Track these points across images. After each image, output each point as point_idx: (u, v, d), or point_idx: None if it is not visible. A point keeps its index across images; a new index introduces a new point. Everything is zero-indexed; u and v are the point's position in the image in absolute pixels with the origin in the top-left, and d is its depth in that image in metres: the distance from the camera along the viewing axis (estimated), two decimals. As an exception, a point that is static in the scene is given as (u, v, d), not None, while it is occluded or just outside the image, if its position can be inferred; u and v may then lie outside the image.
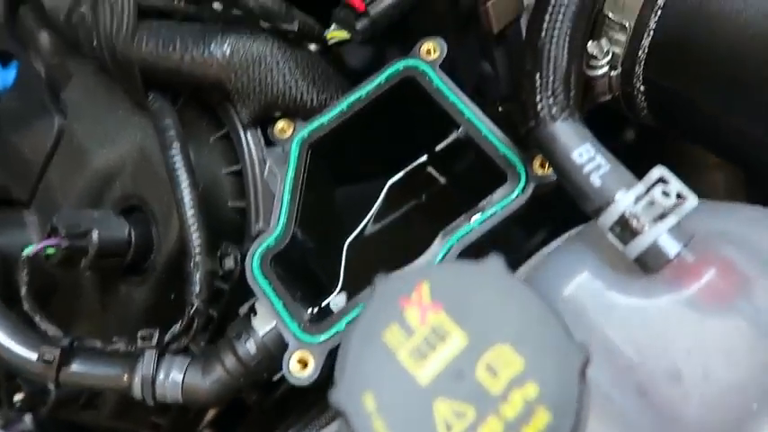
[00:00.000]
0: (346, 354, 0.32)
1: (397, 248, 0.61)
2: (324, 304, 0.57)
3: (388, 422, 0.29)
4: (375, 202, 0.62)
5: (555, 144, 0.40)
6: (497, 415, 0.29)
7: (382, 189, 0.62)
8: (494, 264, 0.32)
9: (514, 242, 0.74)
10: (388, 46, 0.77)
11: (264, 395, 0.70)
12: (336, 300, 0.58)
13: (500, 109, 0.64)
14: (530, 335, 0.30)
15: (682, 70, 0.48)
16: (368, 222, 0.61)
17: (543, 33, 0.41)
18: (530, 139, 0.42)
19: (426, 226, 0.62)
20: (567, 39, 0.41)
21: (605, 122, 0.52)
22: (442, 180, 0.61)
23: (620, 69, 0.51)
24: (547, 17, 0.41)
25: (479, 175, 0.56)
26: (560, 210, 0.52)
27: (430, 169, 0.62)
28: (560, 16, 0.41)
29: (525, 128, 0.42)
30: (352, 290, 0.59)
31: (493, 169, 0.50)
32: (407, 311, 0.31)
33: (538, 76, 0.41)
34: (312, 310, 0.55)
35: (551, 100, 0.41)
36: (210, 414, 0.70)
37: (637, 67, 0.50)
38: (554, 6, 0.41)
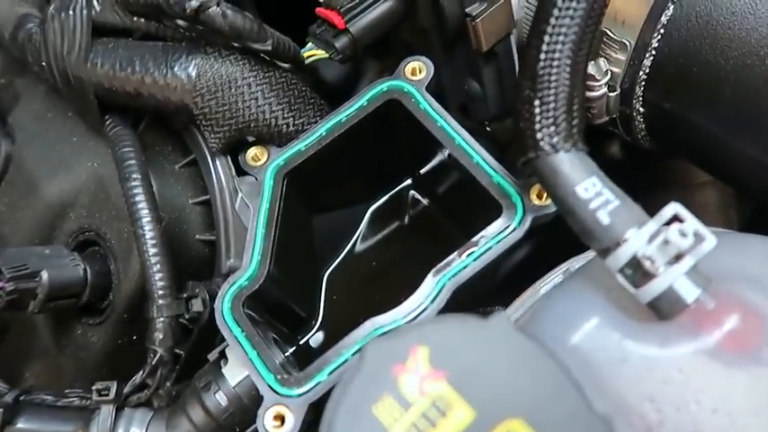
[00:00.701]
0: (333, 429, 0.27)
1: (381, 275, 0.57)
2: (303, 342, 0.53)
3: None
4: (355, 228, 0.58)
5: (558, 177, 0.37)
6: (511, 504, 0.25)
7: (362, 214, 0.58)
8: (500, 323, 0.28)
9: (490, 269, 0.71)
10: (367, 61, 0.73)
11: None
12: (317, 336, 0.54)
13: (488, 129, 0.61)
14: (545, 407, 0.26)
15: (684, 92, 0.45)
16: (350, 251, 0.57)
17: (543, 55, 0.38)
18: (529, 171, 0.38)
19: (410, 250, 0.58)
20: (570, 62, 0.37)
21: (590, 137, 0.50)
22: (426, 202, 0.58)
23: (618, 90, 0.48)
24: (547, 38, 0.37)
25: (466, 195, 0.53)
26: (542, 227, 0.48)
27: (413, 192, 0.58)
28: (562, 37, 0.37)
29: (524, 159, 0.38)
30: (334, 323, 0.55)
31: (483, 193, 0.46)
32: (402, 381, 0.27)
33: (538, 102, 0.38)
34: (289, 350, 0.51)
35: (553, 129, 0.37)
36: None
37: (637, 89, 0.47)
38: (555, 26, 0.37)
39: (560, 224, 0.46)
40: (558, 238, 0.48)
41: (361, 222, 0.58)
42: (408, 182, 0.58)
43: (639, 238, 0.34)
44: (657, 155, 0.61)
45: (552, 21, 0.38)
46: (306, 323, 0.54)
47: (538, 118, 0.38)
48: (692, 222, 0.34)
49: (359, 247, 0.58)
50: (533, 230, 0.45)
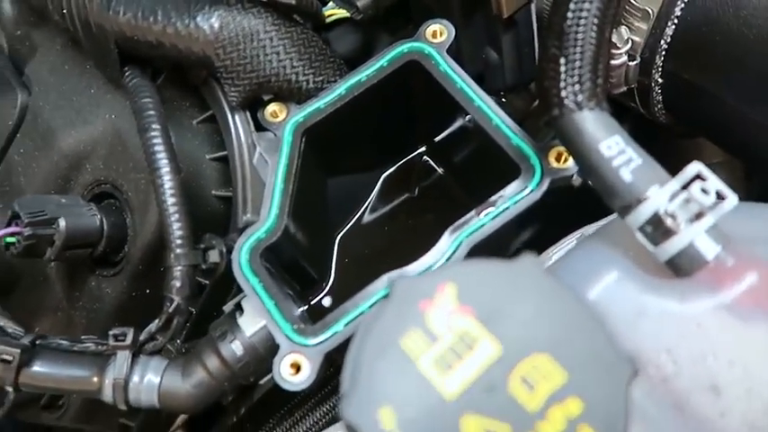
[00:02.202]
0: (359, 362, 0.28)
1: (392, 242, 0.57)
2: (314, 302, 0.53)
3: (409, 442, 0.26)
4: (368, 193, 0.58)
5: (581, 135, 0.37)
6: (535, 435, 0.26)
7: (376, 180, 0.59)
8: (528, 263, 0.28)
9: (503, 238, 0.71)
10: (379, 32, 0.73)
11: (241, 397, 0.66)
12: (327, 299, 0.54)
13: (503, 99, 0.61)
14: (571, 344, 0.27)
15: (705, 62, 0.45)
16: (361, 215, 0.57)
17: (571, 14, 0.38)
18: (552, 130, 0.39)
19: (422, 218, 0.58)
20: (597, 21, 0.38)
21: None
22: (440, 170, 0.58)
23: (638, 60, 0.48)
24: None
25: (482, 164, 0.53)
26: (550, 206, 0.49)
27: (427, 159, 0.58)
28: None
29: (547, 117, 0.38)
30: (345, 286, 0.55)
31: (500, 161, 0.46)
32: (430, 315, 0.28)
33: (563, 60, 0.38)
34: (302, 309, 0.51)
35: (578, 87, 0.37)
36: (183, 416, 0.66)
37: (657, 58, 0.47)
38: None
39: (572, 204, 0.46)
40: (568, 217, 0.49)
41: (373, 188, 0.59)
42: (422, 149, 0.58)
43: (661, 195, 0.35)
44: (671, 130, 0.61)
45: None
46: (317, 284, 0.54)
47: (563, 75, 0.38)
48: (714, 181, 0.35)
49: (371, 213, 0.58)
50: (547, 203, 0.45)
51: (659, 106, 0.51)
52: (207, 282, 0.50)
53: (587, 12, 0.38)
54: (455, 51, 0.52)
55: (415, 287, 0.28)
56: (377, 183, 0.59)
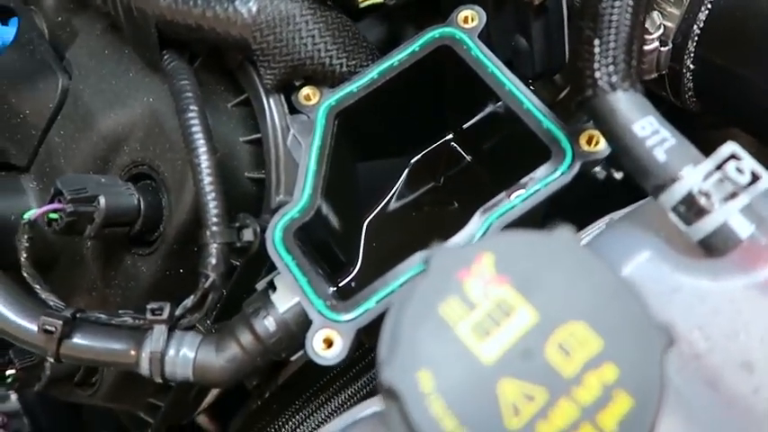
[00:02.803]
0: (398, 329, 0.28)
1: (419, 228, 0.58)
2: (342, 284, 0.54)
3: (447, 403, 0.26)
4: (395, 179, 0.59)
5: (615, 116, 0.37)
6: (571, 399, 0.26)
7: (402, 166, 0.59)
8: (564, 235, 0.29)
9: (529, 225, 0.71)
10: (406, 24, 0.74)
11: (266, 381, 0.67)
12: (353, 282, 0.55)
13: (531, 87, 0.61)
14: (606, 313, 0.27)
15: (738, 47, 0.46)
16: (389, 201, 0.58)
17: None
18: (585, 111, 0.39)
19: (450, 205, 0.59)
20: (632, 3, 0.38)
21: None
22: (468, 158, 0.58)
23: (670, 45, 0.48)
24: None
25: (511, 151, 0.53)
26: (570, 202, 0.49)
27: (454, 146, 0.59)
28: None
29: (581, 97, 0.39)
30: (371, 270, 0.56)
31: (530, 147, 0.47)
32: (468, 284, 0.28)
33: (597, 42, 0.38)
34: (332, 289, 0.52)
35: (612, 68, 0.38)
36: (210, 397, 0.67)
37: (689, 44, 0.47)
38: None
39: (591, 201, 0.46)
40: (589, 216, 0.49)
41: (401, 175, 0.59)
42: (450, 136, 0.59)
43: (696, 174, 0.35)
44: (700, 122, 0.61)
45: None
46: (345, 268, 0.55)
47: (597, 57, 0.38)
48: (749, 161, 0.35)
49: (398, 200, 0.59)
50: (565, 202, 0.45)
51: (690, 93, 0.51)
52: (238, 263, 0.51)
53: None
54: (485, 38, 0.53)
55: (452, 257, 0.29)
56: (404, 169, 0.59)
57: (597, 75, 0.38)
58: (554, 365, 0.26)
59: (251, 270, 0.52)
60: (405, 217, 0.59)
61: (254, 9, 0.46)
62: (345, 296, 0.45)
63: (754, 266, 0.34)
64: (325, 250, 0.52)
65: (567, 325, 0.27)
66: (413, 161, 0.59)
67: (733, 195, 0.35)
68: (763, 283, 0.33)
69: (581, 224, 0.49)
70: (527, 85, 0.61)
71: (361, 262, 0.56)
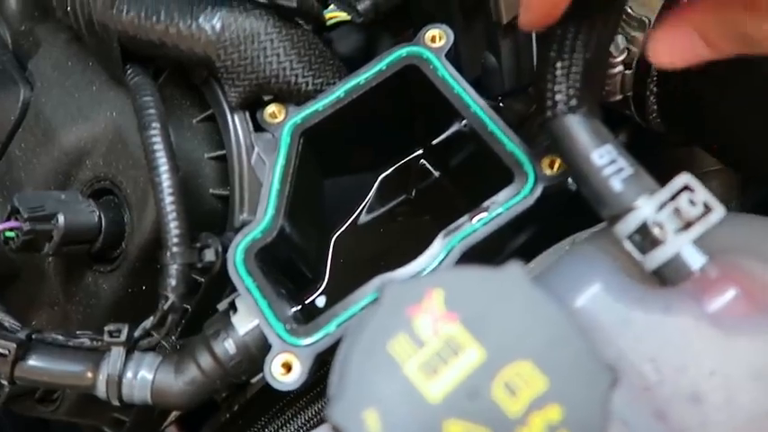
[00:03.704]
0: (346, 365, 0.28)
1: (387, 244, 0.58)
2: (308, 302, 0.54)
3: (393, 444, 0.26)
4: (364, 194, 0.59)
5: (574, 142, 0.37)
6: (516, 440, 0.26)
7: (372, 181, 0.59)
8: (514, 271, 0.29)
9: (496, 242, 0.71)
10: (381, 34, 0.74)
11: (235, 394, 0.66)
12: (321, 298, 0.55)
13: (501, 105, 0.62)
14: (553, 352, 0.27)
15: (702, 71, 0.46)
16: (357, 217, 0.58)
17: (571, 18, 0.38)
18: (545, 133, 0.39)
19: (418, 221, 0.59)
20: (596, 27, 0.38)
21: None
22: (436, 174, 0.59)
23: (634, 69, 0.48)
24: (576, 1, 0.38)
25: (478, 169, 0.53)
26: (546, 210, 0.49)
27: (423, 162, 0.59)
28: (593, 2, 0.38)
29: (541, 119, 0.39)
30: (339, 286, 0.56)
31: (496, 166, 0.47)
32: (417, 321, 0.28)
33: (560, 64, 0.38)
34: (296, 309, 0.52)
35: (571, 91, 0.38)
36: (175, 413, 0.66)
37: (653, 68, 0.48)
38: None
39: (568, 211, 0.47)
40: (565, 225, 0.49)
41: (370, 190, 0.59)
42: (419, 152, 0.59)
43: (650, 205, 0.35)
44: (666, 139, 0.61)
45: None
46: (312, 284, 0.55)
47: (558, 78, 0.38)
48: (702, 192, 0.35)
49: (367, 215, 0.59)
50: (540, 210, 0.46)
51: (654, 115, 0.52)
52: (203, 279, 0.50)
53: (589, 18, 0.38)
54: (454, 56, 0.53)
55: (403, 292, 0.29)
56: (374, 184, 0.59)
57: (557, 97, 0.38)
58: (500, 405, 0.27)
59: (217, 287, 0.52)
60: (374, 232, 0.59)
61: (219, 26, 0.46)
62: (311, 314, 0.45)
63: (704, 299, 0.34)
64: (291, 267, 0.51)
65: (513, 364, 0.27)
66: (382, 176, 0.59)
67: (686, 227, 0.35)
68: (712, 316, 0.34)
69: (564, 227, 0.50)
70: (497, 101, 0.62)
71: (329, 278, 0.56)
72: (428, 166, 0.59)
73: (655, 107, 0.51)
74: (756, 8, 0.34)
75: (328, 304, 0.55)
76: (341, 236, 0.58)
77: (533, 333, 0.28)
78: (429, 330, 0.28)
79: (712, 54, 0.38)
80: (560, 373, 0.27)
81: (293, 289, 0.53)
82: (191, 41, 0.46)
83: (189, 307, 0.51)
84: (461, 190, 0.58)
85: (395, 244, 0.58)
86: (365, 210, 0.59)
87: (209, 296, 0.51)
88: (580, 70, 0.38)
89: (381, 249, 0.58)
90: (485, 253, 0.46)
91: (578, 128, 0.38)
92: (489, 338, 0.28)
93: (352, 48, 0.75)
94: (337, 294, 0.53)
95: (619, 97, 0.51)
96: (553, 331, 0.28)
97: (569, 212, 0.50)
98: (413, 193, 0.59)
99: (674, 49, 0.38)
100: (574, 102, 0.38)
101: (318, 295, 0.55)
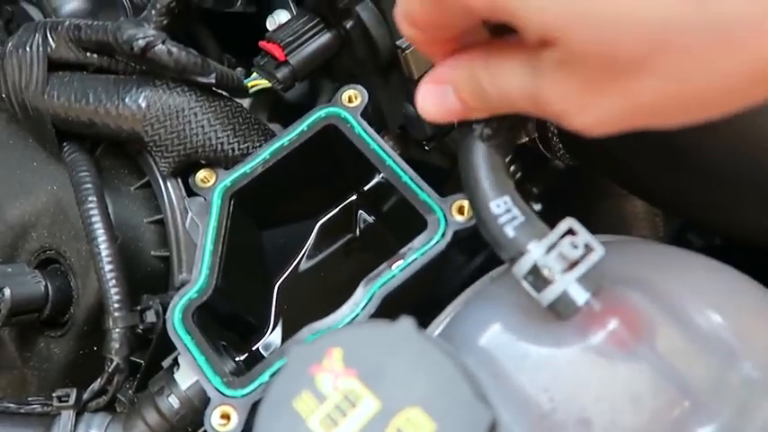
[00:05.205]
0: (258, 421, 0.31)
1: (330, 286, 0.61)
2: (255, 348, 0.57)
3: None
4: (305, 240, 0.62)
5: (477, 188, 0.41)
6: (408, 480, 0.30)
7: (312, 227, 0.62)
8: (404, 325, 0.33)
9: (455, 265, 0.75)
10: (322, 79, 0.78)
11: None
12: (270, 340, 0.58)
13: (427, 148, 0.66)
14: (439, 397, 0.31)
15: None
16: (299, 262, 0.61)
17: None
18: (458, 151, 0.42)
19: (357, 263, 0.62)
20: None
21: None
22: (371, 219, 0.62)
23: (534, 115, 0.53)
24: None
25: (406, 214, 0.57)
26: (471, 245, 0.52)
27: (360, 210, 0.62)
28: None
29: (459, 131, 0.42)
30: (285, 331, 0.59)
31: (415, 213, 0.50)
32: (319, 378, 0.32)
33: None
34: (241, 357, 0.54)
35: (491, 123, 0.41)
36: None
37: (550, 112, 0.52)
38: None
39: None
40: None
41: (310, 235, 0.62)
42: (353, 198, 0.62)
43: (539, 249, 0.39)
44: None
45: None
46: (258, 331, 0.58)
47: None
48: (583, 235, 0.39)
49: (309, 259, 0.62)
50: (460, 246, 0.49)
51: (561, 152, 0.56)
52: (152, 336, 0.53)
53: None
54: (376, 108, 0.57)
55: (306, 353, 0.32)
56: (312, 230, 0.62)
57: (474, 125, 0.41)
58: (393, 449, 0.30)
59: (166, 341, 0.54)
60: (315, 277, 0.62)
61: (144, 104, 0.49)
62: (257, 360, 0.48)
63: (589, 331, 0.38)
64: (234, 319, 0.54)
65: (404, 411, 0.31)
66: (320, 222, 0.62)
67: (570, 267, 0.39)
68: (597, 346, 0.38)
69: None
70: (422, 147, 0.66)
71: (274, 324, 0.59)
72: (363, 213, 0.62)
73: (560, 145, 0.55)
74: (492, 58, 0.35)
75: (277, 348, 0.57)
76: (284, 282, 0.60)
77: (422, 380, 0.31)
78: (330, 386, 0.31)
79: (465, 112, 0.39)
80: (446, 415, 0.30)
81: (238, 339, 0.56)
82: (119, 120, 0.49)
83: (142, 362, 0.54)
84: (394, 233, 0.61)
85: (335, 288, 0.61)
86: (306, 256, 0.62)
87: (159, 351, 0.54)
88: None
89: (323, 294, 0.61)
90: (411, 295, 0.50)
91: (484, 166, 0.41)
92: (383, 389, 0.31)
93: (297, 94, 0.79)
94: (284, 338, 0.55)
95: (526, 139, 0.56)
96: (439, 378, 0.31)
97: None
98: (350, 239, 0.63)
99: (433, 103, 0.39)
100: (486, 133, 0.41)
101: (265, 341, 0.58)
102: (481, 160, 0.41)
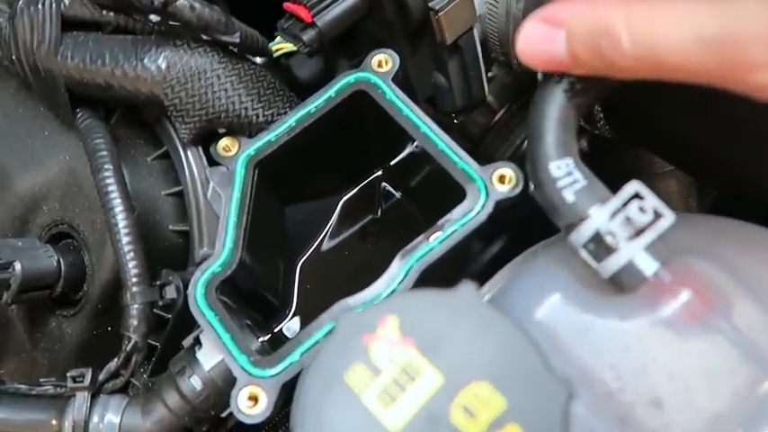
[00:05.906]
0: (305, 397, 0.28)
1: (354, 266, 0.58)
2: (277, 330, 0.54)
3: (354, 476, 0.26)
4: (328, 218, 0.59)
5: (538, 149, 0.38)
6: (476, 462, 0.26)
7: (335, 205, 0.59)
8: (466, 292, 0.29)
9: (470, 253, 0.72)
10: (338, 57, 0.75)
11: (215, 426, 0.66)
12: (290, 324, 0.55)
13: (455, 121, 0.62)
14: (509, 371, 0.28)
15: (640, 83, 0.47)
16: (321, 241, 0.58)
17: None
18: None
19: (383, 242, 0.59)
20: None
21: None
22: (398, 194, 0.59)
23: (579, 79, 0.49)
24: None
25: (436, 188, 0.54)
26: (517, 219, 0.50)
27: (385, 184, 0.59)
28: None
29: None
30: (307, 312, 0.56)
31: (450, 184, 0.47)
32: (373, 349, 0.28)
33: None
34: (264, 338, 0.51)
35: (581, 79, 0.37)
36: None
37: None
38: None
39: (537, 219, 0.47)
40: (534, 232, 0.50)
41: (333, 213, 0.59)
42: (379, 173, 0.59)
43: (602, 214, 0.36)
44: (620, 143, 0.63)
45: None
46: (280, 312, 0.54)
47: None
48: (651, 200, 0.36)
49: (332, 238, 0.59)
50: (500, 219, 0.46)
51: (602, 123, 0.53)
52: (169, 316, 0.50)
53: None
54: (404, 78, 0.53)
55: (357, 321, 0.29)
56: (336, 208, 0.59)
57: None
58: (459, 428, 0.27)
59: (184, 322, 0.51)
60: (339, 255, 0.59)
61: (164, 66, 0.46)
62: (282, 341, 0.45)
63: (659, 303, 0.35)
64: (256, 297, 0.51)
65: (471, 386, 0.27)
66: (344, 200, 0.59)
67: (637, 234, 0.35)
68: (667, 320, 0.34)
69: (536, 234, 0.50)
70: (451, 118, 0.63)
71: (297, 304, 0.56)
72: (389, 187, 0.59)
73: (601, 116, 0.52)
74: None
75: (299, 329, 0.54)
76: (307, 261, 0.58)
77: (488, 353, 0.28)
78: (385, 358, 0.28)
79: (570, 66, 0.34)
80: (517, 391, 0.27)
81: (261, 318, 0.52)
82: (137, 82, 0.46)
83: (158, 344, 0.51)
84: (422, 209, 0.58)
85: (360, 266, 0.58)
86: (329, 234, 0.59)
87: (177, 332, 0.51)
88: None
89: (347, 272, 0.58)
90: (446, 270, 0.47)
91: (557, 120, 0.38)
92: (446, 361, 0.28)
93: (310, 73, 0.76)
94: (307, 320, 0.52)
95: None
96: (507, 350, 0.28)
97: (544, 219, 0.51)
98: (379, 213, 0.60)
99: (537, 45, 0.34)
100: (580, 87, 0.38)
101: (288, 321, 0.55)
102: (557, 113, 0.37)
